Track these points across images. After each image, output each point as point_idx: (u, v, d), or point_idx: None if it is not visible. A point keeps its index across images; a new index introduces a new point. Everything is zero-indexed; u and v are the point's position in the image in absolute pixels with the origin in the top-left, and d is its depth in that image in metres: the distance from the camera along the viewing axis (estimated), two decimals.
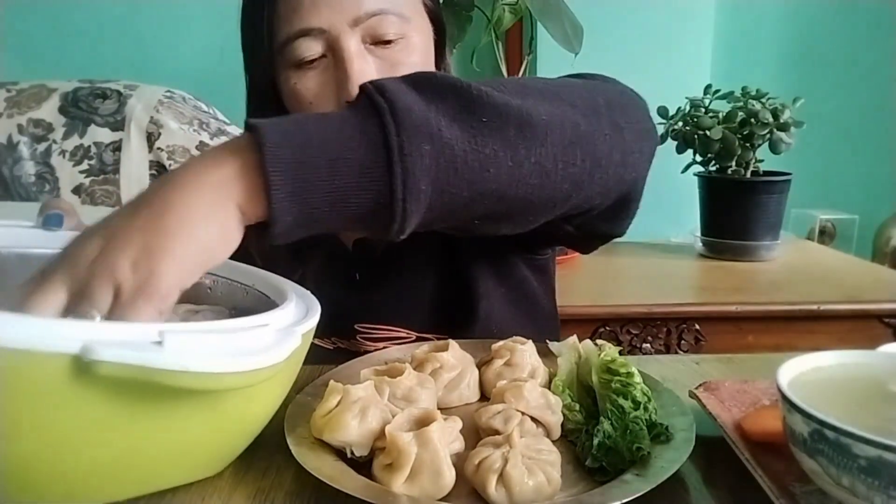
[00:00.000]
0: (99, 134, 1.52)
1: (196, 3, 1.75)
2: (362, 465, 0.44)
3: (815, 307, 1.19)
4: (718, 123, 1.37)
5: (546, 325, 0.80)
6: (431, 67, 0.70)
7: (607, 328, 1.23)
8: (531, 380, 0.52)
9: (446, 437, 0.43)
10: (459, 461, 0.44)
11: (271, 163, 0.41)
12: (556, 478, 0.42)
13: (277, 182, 0.41)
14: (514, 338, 0.59)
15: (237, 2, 0.69)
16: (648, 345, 1.24)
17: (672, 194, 1.53)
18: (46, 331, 0.34)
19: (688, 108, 1.42)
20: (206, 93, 1.64)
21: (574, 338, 0.56)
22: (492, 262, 0.74)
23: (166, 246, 0.40)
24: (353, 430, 0.44)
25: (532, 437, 0.45)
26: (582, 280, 1.36)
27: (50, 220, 0.57)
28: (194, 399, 0.39)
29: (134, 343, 0.35)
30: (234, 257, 0.44)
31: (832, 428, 0.34)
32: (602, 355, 0.51)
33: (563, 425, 0.50)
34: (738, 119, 1.36)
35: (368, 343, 0.73)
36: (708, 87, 1.43)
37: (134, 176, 1.52)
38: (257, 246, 0.50)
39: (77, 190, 1.51)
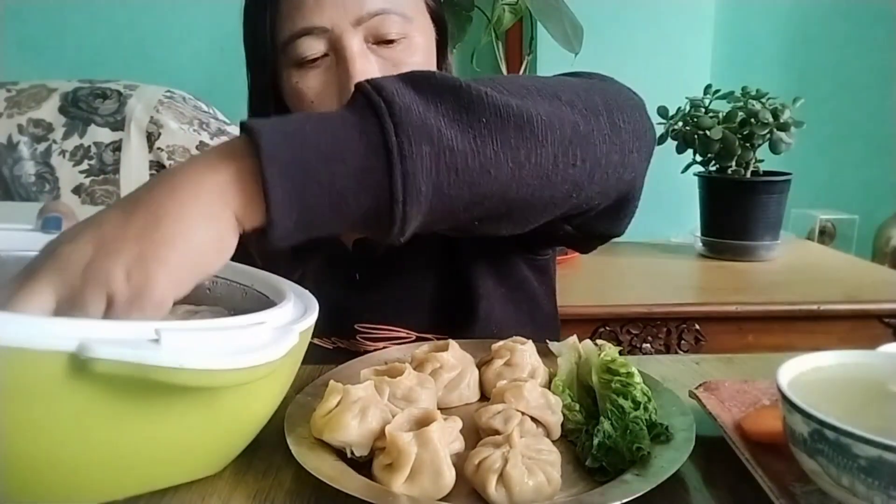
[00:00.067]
0: (99, 134, 1.52)
1: (196, 3, 1.75)
2: (362, 465, 0.44)
3: (815, 307, 1.19)
4: (718, 123, 1.37)
5: (546, 325, 0.80)
6: (433, 67, 0.70)
7: (607, 328, 1.23)
8: (531, 380, 0.52)
9: (446, 437, 0.43)
10: (459, 461, 0.44)
11: (269, 167, 0.40)
12: (556, 478, 0.42)
13: (275, 187, 0.40)
14: (514, 338, 0.59)
15: (238, 1, 0.69)
16: (648, 345, 1.24)
17: (672, 194, 1.53)
18: (42, 329, 0.34)
19: (688, 108, 1.42)
20: (206, 93, 1.65)
21: (574, 338, 0.56)
22: (492, 262, 0.74)
23: (161, 255, 0.39)
24: (353, 430, 0.44)
25: (532, 437, 0.45)
26: (582, 280, 1.36)
27: (49, 223, 0.57)
28: (192, 397, 0.39)
29: (131, 341, 0.35)
30: (233, 257, 0.44)
31: (832, 428, 0.34)
32: (602, 355, 0.51)
33: (563, 425, 0.50)
34: (738, 119, 1.36)
35: (368, 343, 0.74)
36: (708, 87, 1.43)
37: (134, 176, 1.52)
38: (257, 246, 0.50)
39: (77, 190, 1.51)
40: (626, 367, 0.50)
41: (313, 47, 0.63)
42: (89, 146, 1.52)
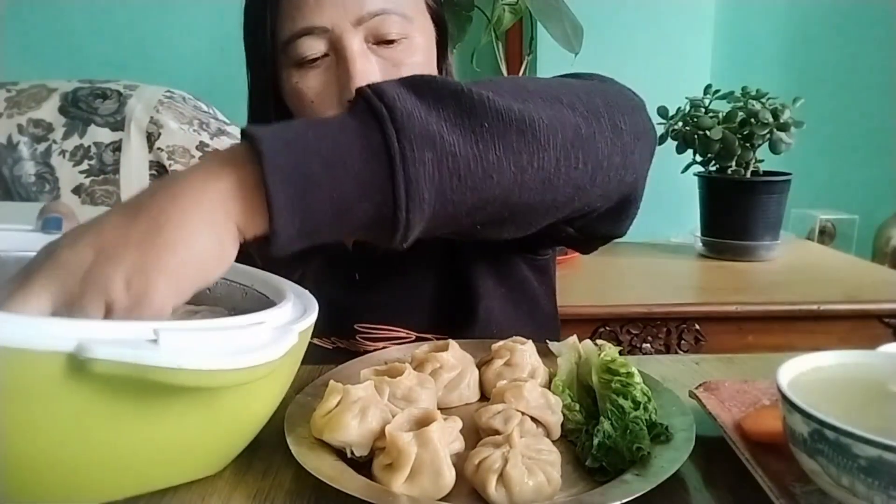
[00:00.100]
0: (99, 134, 1.52)
1: (196, 3, 1.75)
2: (362, 465, 0.44)
3: (815, 307, 1.19)
4: (718, 123, 1.37)
5: (546, 325, 0.80)
6: (434, 67, 0.70)
7: (607, 328, 1.23)
8: (531, 380, 0.52)
9: (446, 437, 0.43)
10: (459, 461, 0.44)
11: (271, 175, 0.40)
12: (556, 478, 0.42)
13: (278, 195, 0.40)
14: (514, 338, 0.59)
15: (238, 1, 0.69)
16: (648, 345, 1.24)
17: (672, 194, 1.53)
18: (41, 329, 0.34)
19: (688, 108, 1.42)
20: (206, 93, 1.64)
21: (574, 338, 0.56)
22: (492, 262, 0.74)
23: (161, 265, 0.39)
24: (353, 430, 0.44)
25: (532, 437, 0.45)
26: (582, 280, 1.36)
27: (49, 224, 0.56)
28: (191, 397, 0.38)
29: (129, 341, 0.35)
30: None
31: (832, 428, 0.34)
32: (602, 355, 0.51)
33: (563, 425, 0.50)
34: (738, 119, 1.36)
35: (368, 343, 0.73)
36: (708, 87, 1.43)
37: (134, 176, 1.52)
38: (257, 247, 0.50)
39: (77, 190, 1.51)
40: (626, 367, 0.50)
41: (313, 47, 0.63)
42: (89, 146, 1.52)
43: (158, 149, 1.52)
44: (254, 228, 0.42)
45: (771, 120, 1.33)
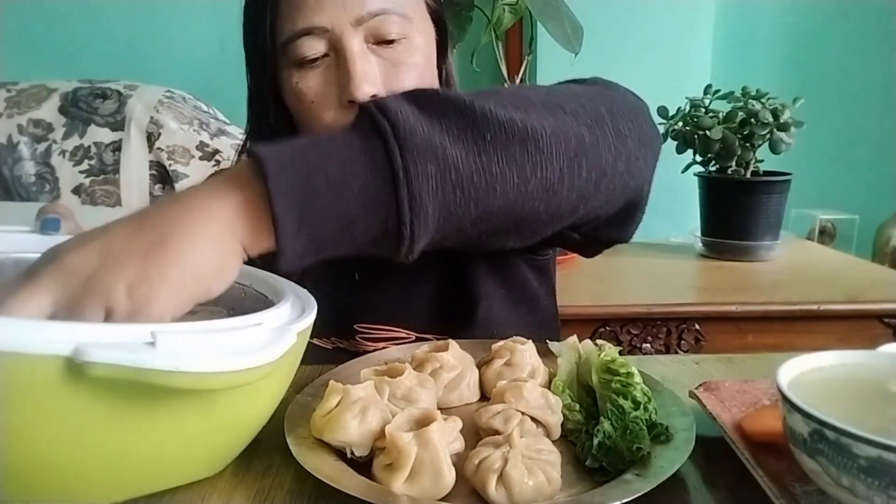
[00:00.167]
0: (99, 134, 1.53)
1: (196, 3, 1.75)
2: (362, 465, 0.44)
3: (815, 307, 1.19)
4: (718, 123, 1.37)
5: (546, 325, 0.80)
6: (433, 68, 0.70)
7: (607, 328, 1.23)
8: (531, 380, 0.52)
9: (446, 437, 0.43)
10: (459, 461, 0.44)
11: (276, 195, 0.41)
12: (556, 478, 0.42)
13: (284, 215, 0.41)
14: (514, 338, 0.59)
15: (238, 1, 0.69)
16: (648, 345, 1.24)
17: (672, 194, 1.53)
18: (37, 333, 0.34)
19: (688, 108, 1.42)
20: (206, 93, 1.65)
21: (574, 338, 0.57)
22: (492, 262, 0.74)
23: (164, 275, 0.39)
24: (353, 430, 0.44)
25: (532, 437, 0.45)
26: (582, 280, 1.36)
27: (47, 225, 0.57)
28: (189, 399, 0.38)
29: (126, 344, 0.35)
30: None
31: (832, 428, 0.34)
32: (602, 355, 0.51)
33: (563, 425, 0.50)
34: (738, 119, 1.36)
35: (368, 343, 0.73)
36: (708, 87, 1.43)
37: (134, 176, 1.52)
38: (263, 262, 0.50)
39: (77, 190, 1.51)
40: (626, 367, 0.50)
41: (313, 47, 0.63)
42: (89, 146, 1.52)
43: (158, 149, 1.52)
44: (259, 246, 0.43)
45: (771, 120, 1.33)
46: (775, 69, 1.82)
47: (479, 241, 0.53)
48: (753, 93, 1.38)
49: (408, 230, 0.44)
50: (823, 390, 0.40)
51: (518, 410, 0.48)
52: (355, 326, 0.74)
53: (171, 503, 0.42)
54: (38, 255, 0.41)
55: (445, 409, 0.53)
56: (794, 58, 1.83)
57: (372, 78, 0.63)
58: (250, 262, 0.56)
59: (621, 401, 0.47)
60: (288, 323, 0.44)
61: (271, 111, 0.69)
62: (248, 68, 0.71)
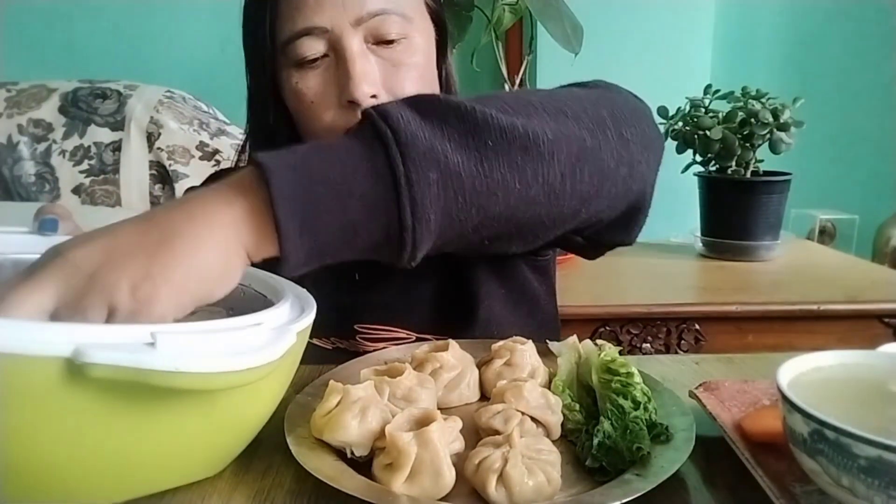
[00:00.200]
0: (99, 134, 1.53)
1: (196, 3, 1.75)
2: (362, 465, 0.44)
3: (815, 307, 1.19)
4: (718, 123, 1.37)
5: (547, 325, 0.80)
6: (433, 68, 0.70)
7: (607, 328, 1.23)
8: (531, 380, 0.52)
9: (446, 437, 0.43)
10: (459, 461, 0.44)
11: (279, 202, 0.41)
12: (556, 478, 0.42)
13: (287, 222, 0.41)
14: (514, 338, 0.59)
15: (238, 1, 0.69)
16: (648, 345, 1.24)
17: (672, 194, 1.52)
18: (37, 334, 0.34)
19: (688, 108, 1.42)
20: (206, 93, 1.65)
21: (574, 338, 0.57)
22: (493, 263, 0.74)
23: (168, 275, 0.40)
24: (353, 430, 0.44)
25: (532, 437, 0.45)
26: (582, 280, 1.36)
27: (45, 225, 0.57)
28: (189, 400, 0.38)
29: (126, 345, 0.35)
30: None
31: (832, 428, 0.34)
32: (602, 355, 0.51)
33: (563, 425, 0.50)
34: (738, 119, 1.36)
35: (368, 343, 0.73)
36: (708, 87, 1.43)
37: (134, 176, 1.52)
38: (266, 267, 0.50)
39: (77, 190, 1.51)
40: (626, 367, 0.50)
41: (313, 47, 0.63)
42: (89, 146, 1.52)
43: (158, 148, 1.52)
44: (263, 252, 0.44)
45: (771, 120, 1.33)
46: (775, 69, 1.82)
47: (480, 247, 0.53)
48: (753, 93, 1.38)
49: (410, 236, 0.45)
50: (823, 390, 0.40)
51: (518, 410, 0.48)
52: (355, 326, 0.74)
53: (171, 503, 0.42)
54: (36, 255, 0.41)
55: (445, 409, 0.53)
56: (794, 58, 1.83)
57: (371, 78, 0.63)
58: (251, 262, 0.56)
59: (621, 401, 0.47)
60: (288, 323, 0.44)
61: (271, 111, 0.69)
62: (247, 68, 0.71)
